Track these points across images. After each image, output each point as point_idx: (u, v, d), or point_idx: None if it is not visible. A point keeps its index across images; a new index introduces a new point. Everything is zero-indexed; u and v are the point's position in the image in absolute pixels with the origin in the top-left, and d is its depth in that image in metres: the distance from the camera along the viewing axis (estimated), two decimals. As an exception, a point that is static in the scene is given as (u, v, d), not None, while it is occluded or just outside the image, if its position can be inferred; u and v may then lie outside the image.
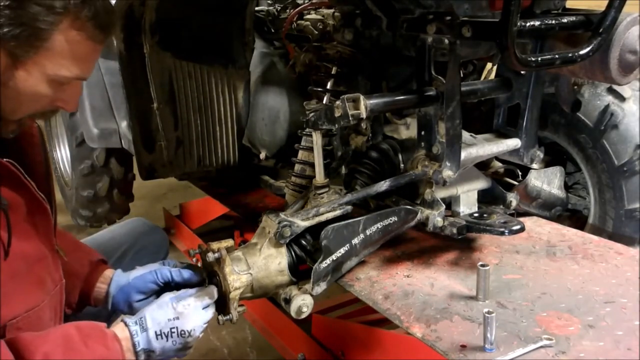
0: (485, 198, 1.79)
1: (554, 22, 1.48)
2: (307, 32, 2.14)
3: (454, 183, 1.64)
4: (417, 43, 1.61)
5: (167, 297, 1.34)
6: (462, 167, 1.62)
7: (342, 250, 1.53)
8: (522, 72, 1.69)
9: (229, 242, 1.46)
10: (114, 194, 3.43)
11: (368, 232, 1.57)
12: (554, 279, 1.57)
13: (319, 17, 2.17)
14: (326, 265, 1.51)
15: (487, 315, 1.25)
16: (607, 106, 1.96)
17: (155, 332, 1.26)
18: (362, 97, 1.48)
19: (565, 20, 1.49)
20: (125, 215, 3.58)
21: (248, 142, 2.50)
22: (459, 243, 1.76)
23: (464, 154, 1.61)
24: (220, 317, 1.39)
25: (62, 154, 3.68)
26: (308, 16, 2.23)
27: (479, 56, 1.74)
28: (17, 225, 1.16)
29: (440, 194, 1.66)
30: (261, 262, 1.48)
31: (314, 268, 1.48)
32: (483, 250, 1.75)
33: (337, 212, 1.57)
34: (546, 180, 2.03)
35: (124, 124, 2.91)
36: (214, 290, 1.39)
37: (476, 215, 1.71)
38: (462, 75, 1.79)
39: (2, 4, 1.03)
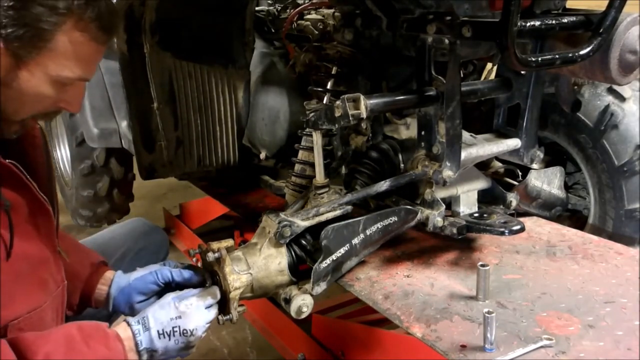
0: (485, 198, 1.79)
1: (554, 22, 1.48)
2: (307, 32, 2.14)
3: (454, 183, 1.64)
4: (417, 43, 1.61)
5: (169, 297, 1.34)
6: (462, 167, 1.62)
7: (342, 250, 1.53)
8: (522, 72, 1.69)
9: (229, 242, 1.46)
10: (114, 194, 3.43)
11: (368, 232, 1.57)
12: (554, 279, 1.57)
13: (319, 17, 2.17)
14: (326, 265, 1.51)
15: (487, 315, 1.25)
16: (607, 106, 1.96)
17: (158, 332, 1.26)
18: (362, 97, 1.48)
19: (565, 20, 1.49)
20: (125, 215, 3.58)
21: (248, 142, 2.50)
22: (459, 243, 1.76)
23: (464, 154, 1.61)
24: (220, 317, 1.39)
25: (62, 154, 3.68)
26: (308, 16, 2.23)
27: (479, 56, 1.74)
28: (19, 226, 1.16)
29: (440, 194, 1.66)
30: (261, 262, 1.48)
31: (314, 268, 1.48)
32: (483, 250, 1.75)
33: (337, 212, 1.57)
34: (546, 180, 2.03)
35: (124, 124, 2.91)
36: (216, 290, 1.39)
37: (476, 215, 1.71)
38: (462, 75, 1.79)
39: (5, 4, 1.03)
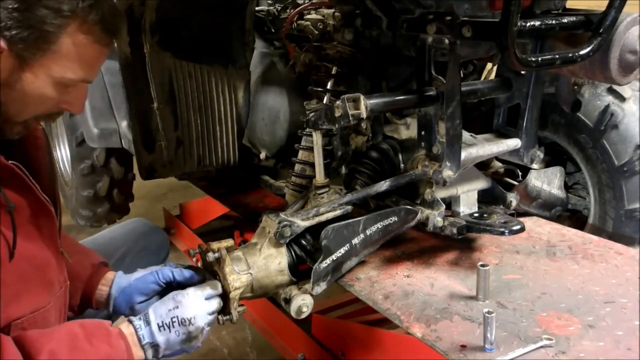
0: (485, 198, 1.79)
1: (554, 22, 1.48)
2: (307, 32, 2.14)
3: (454, 183, 1.64)
4: (417, 43, 1.61)
5: (170, 294, 1.34)
6: (462, 167, 1.62)
7: (342, 250, 1.53)
8: (522, 72, 1.69)
9: (229, 242, 1.46)
10: (114, 194, 3.43)
11: (368, 232, 1.57)
12: (554, 279, 1.57)
13: (319, 17, 2.17)
14: (326, 265, 1.51)
15: (487, 315, 1.25)
16: (607, 106, 1.96)
17: (158, 324, 1.27)
18: (362, 97, 1.48)
19: (565, 20, 1.49)
20: (125, 215, 3.58)
21: (248, 142, 2.50)
22: (459, 243, 1.76)
23: (464, 154, 1.61)
24: (220, 317, 1.39)
25: (62, 154, 3.68)
26: (308, 16, 2.23)
27: (479, 56, 1.74)
28: (22, 227, 1.16)
29: (440, 194, 1.66)
30: (261, 262, 1.48)
31: (314, 268, 1.48)
32: (483, 250, 1.75)
33: (337, 212, 1.57)
34: (546, 180, 2.03)
35: (124, 124, 2.91)
36: (217, 283, 1.39)
37: (476, 215, 1.71)
38: (462, 75, 1.79)
39: (10, 6, 1.03)
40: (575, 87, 1.97)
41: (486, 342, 1.26)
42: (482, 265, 1.46)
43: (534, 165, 1.90)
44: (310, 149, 1.95)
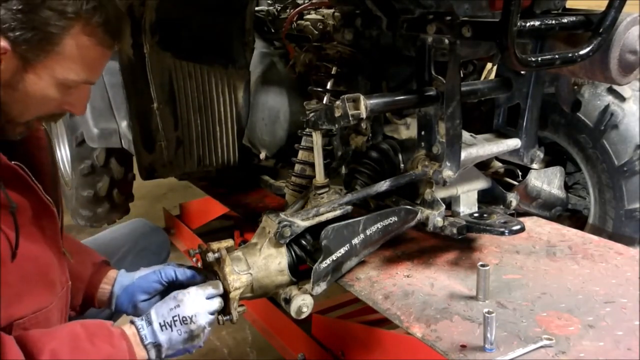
0: (485, 198, 1.79)
1: (554, 22, 1.48)
2: (307, 32, 2.14)
3: (454, 183, 1.64)
4: (417, 43, 1.61)
5: (172, 294, 1.34)
6: (462, 167, 1.62)
7: (342, 250, 1.53)
8: (522, 72, 1.69)
9: (229, 242, 1.46)
10: (114, 194, 3.43)
11: (368, 232, 1.57)
12: (554, 279, 1.57)
13: (319, 17, 2.17)
14: (326, 265, 1.51)
15: (487, 315, 1.25)
16: (607, 106, 1.96)
17: (160, 324, 1.27)
18: (362, 97, 1.48)
19: (565, 20, 1.49)
20: (126, 216, 3.58)
21: (248, 142, 2.50)
22: (459, 243, 1.76)
23: (464, 154, 1.61)
24: (220, 317, 1.39)
25: (62, 154, 3.68)
26: (308, 16, 2.23)
27: (479, 56, 1.74)
28: (24, 227, 1.16)
29: (440, 194, 1.66)
30: (261, 262, 1.48)
31: (314, 268, 1.48)
32: (483, 250, 1.76)
33: (337, 212, 1.57)
34: (546, 180, 2.03)
35: (124, 124, 2.91)
36: (219, 283, 1.39)
37: (476, 215, 1.71)
38: (462, 75, 1.79)
39: (14, 7, 1.04)
40: (575, 87, 1.97)
41: (486, 342, 1.26)
42: (482, 265, 1.46)
43: (534, 165, 1.90)
44: (310, 149, 1.95)
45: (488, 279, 1.47)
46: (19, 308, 1.16)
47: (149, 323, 1.27)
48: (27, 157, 1.25)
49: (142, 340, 1.25)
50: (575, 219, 2.19)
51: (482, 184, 1.76)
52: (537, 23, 1.45)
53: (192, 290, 1.34)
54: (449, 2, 1.49)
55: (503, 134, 1.79)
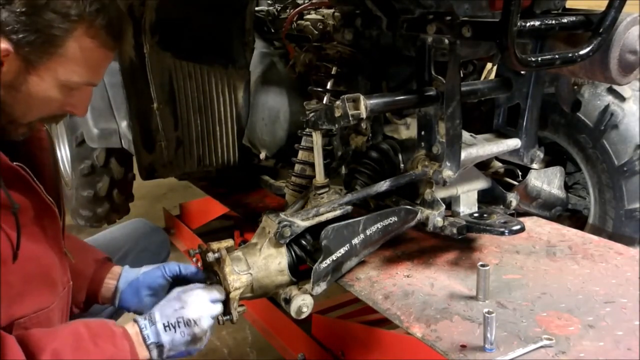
0: (485, 198, 1.79)
1: (554, 22, 1.48)
2: (307, 32, 2.14)
3: (454, 183, 1.64)
4: (417, 43, 1.61)
5: (175, 291, 1.35)
6: (462, 167, 1.62)
7: (342, 250, 1.53)
8: (522, 72, 1.69)
9: (229, 242, 1.46)
10: (114, 194, 3.43)
11: (368, 232, 1.57)
12: (554, 279, 1.57)
13: (319, 17, 2.17)
14: (326, 265, 1.51)
15: (487, 315, 1.25)
16: (607, 106, 1.96)
17: (164, 324, 1.27)
18: (362, 97, 1.48)
19: (565, 20, 1.49)
20: (126, 216, 3.58)
21: (248, 142, 2.50)
22: (459, 243, 1.76)
23: (464, 154, 1.61)
24: (220, 317, 1.39)
25: (62, 154, 3.68)
26: (308, 16, 2.23)
27: (479, 56, 1.74)
28: (26, 228, 1.17)
29: (440, 194, 1.66)
30: (261, 262, 1.48)
31: (314, 268, 1.48)
32: (483, 250, 1.75)
33: (337, 212, 1.57)
34: (546, 180, 2.03)
35: (124, 124, 2.91)
36: (222, 289, 1.40)
37: (476, 215, 1.71)
38: (462, 75, 1.79)
39: (17, 10, 1.04)
40: (575, 87, 1.97)
41: (486, 342, 1.26)
42: (482, 265, 1.46)
43: (534, 165, 1.90)
44: (310, 149, 1.95)
45: (488, 279, 1.47)
46: (20, 308, 1.16)
47: (152, 323, 1.27)
48: (29, 158, 1.26)
49: (144, 339, 1.25)
50: (575, 219, 2.19)
51: (482, 184, 1.76)
52: (537, 23, 1.45)
53: (198, 291, 1.34)
54: (449, 2, 1.49)
55: (503, 134, 1.79)
